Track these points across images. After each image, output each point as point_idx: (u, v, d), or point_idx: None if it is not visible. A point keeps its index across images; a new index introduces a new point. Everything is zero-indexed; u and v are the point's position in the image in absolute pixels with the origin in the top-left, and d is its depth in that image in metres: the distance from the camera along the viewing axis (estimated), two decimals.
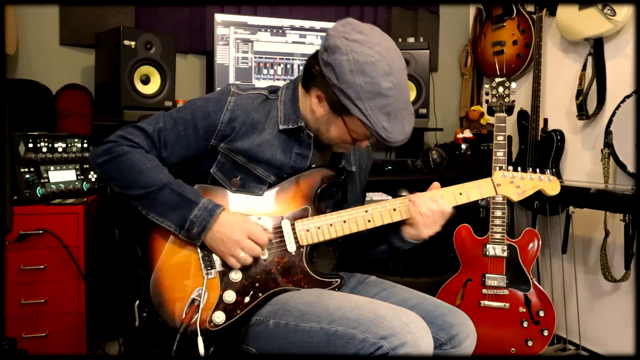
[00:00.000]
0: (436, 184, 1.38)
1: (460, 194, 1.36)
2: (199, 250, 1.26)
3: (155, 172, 1.26)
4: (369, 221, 1.32)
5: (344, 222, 1.31)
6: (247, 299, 1.23)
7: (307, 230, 1.30)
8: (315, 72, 1.27)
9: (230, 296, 1.23)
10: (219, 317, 1.21)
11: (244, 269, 1.25)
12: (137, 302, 1.30)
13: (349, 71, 1.19)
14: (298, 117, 1.34)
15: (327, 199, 1.41)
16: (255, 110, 1.34)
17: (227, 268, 1.26)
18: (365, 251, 1.50)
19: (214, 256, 1.26)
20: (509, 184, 1.39)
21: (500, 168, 2.05)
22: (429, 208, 1.31)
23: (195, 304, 1.20)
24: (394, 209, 1.33)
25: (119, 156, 1.26)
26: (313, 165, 1.38)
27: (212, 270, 1.25)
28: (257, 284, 1.25)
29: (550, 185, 1.40)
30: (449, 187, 1.37)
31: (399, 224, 1.38)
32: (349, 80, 1.19)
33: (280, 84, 1.43)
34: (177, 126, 1.31)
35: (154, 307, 1.22)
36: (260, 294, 1.25)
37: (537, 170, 1.42)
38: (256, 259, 1.26)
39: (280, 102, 1.37)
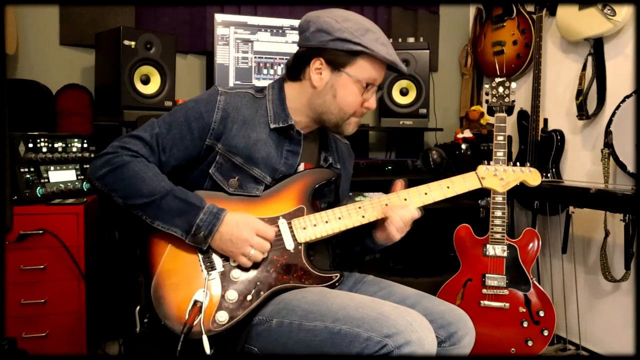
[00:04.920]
0: (400, 183, 1.42)
1: (448, 187, 1.41)
2: (198, 252, 1.27)
3: (158, 180, 1.26)
4: (363, 217, 1.35)
5: (339, 218, 1.34)
6: (249, 298, 1.24)
7: (304, 228, 1.32)
8: (304, 53, 1.36)
9: (232, 295, 1.23)
10: (222, 317, 1.21)
11: (245, 268, 1.26)
12: (138, 308, 1.29)
13: (336, 22, 1.31)
14: (287, 115, 1.38)
15: (321, 198, 1.44)
16: (244, 107, 1.37)
17: (227, 268, 1.26)
18: (345, 249, 1.55)
19: (214, 257, 1.27)
20: (493, 177, 1.44)
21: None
22: (401, 218, 1.35)
23: (198, 305, 1.20)
24: (386, 204, 1.37)
25: (120, 167, 1.26)
26: (302, 164, 1.41)
27: (213, 271, 1.25)
28: (258, 283, 1.26)
29: (531, 177, 1.47)
30: (437, 181, 1.41)
31: (371, 226, 1.42)
32: (340, 27, 1.30)
33: None
34: (172, 130, 1.33)
35: (155, 312, 1.22)
36: (262, 293, 1.25)
37: (517, 163, 1.49)
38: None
39: (268, 101, 1.41)
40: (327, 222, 1.33)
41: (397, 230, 1.35)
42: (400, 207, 1.36)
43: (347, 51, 1.31)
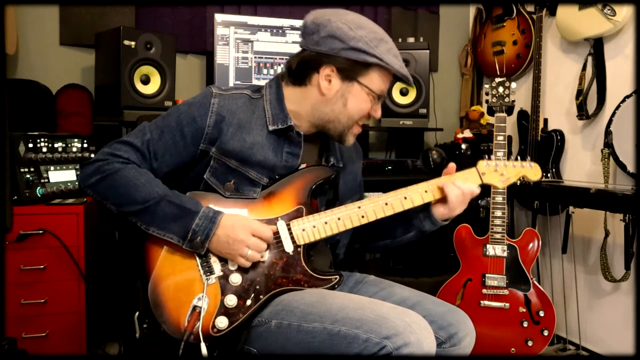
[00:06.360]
0: (452, 165, 1.41)
1: None
2: (196, 257, 1.26)
3: (151, 186, 1.24)
4: (363, 217, 1.33)
5: (339, 219, 1.32)
6: (248, 302, 1.23)
7: (303, 230, 1.30)
8: (313, 58, 1.30)
9: (231, 300, 1.22)
10: (222, 322, 1.20)
11: (244, 272, 1.25)
12: (137, 313, 1.28)
13: (349, 29, 1.26)
14: (286, 116, 1.34)
15: (319, 198, 1.41)
16: (240, 110, 1.33)
17: (226, 272, 1.25)
18: (393, 240, 1.52)
19: (212, 261, 1.26)
20: (494, 172, 1.42)
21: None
22: (460, 188, 1.35)
23: (197, 311, 1.20)
24: (386, 204, 1.35)
25: (111, 174, 1.24)
26: (303, 165, 1.38)
27: (212, 276, 1.24)
28: (257, 287, 1.25)
29: (532, 172, 1.44)
30: (436, 178, 1.39)
31: (427, 207, 1.41)
32: (354, 36, 1.26)
33: None
34: (164, 135, 1.30)
35: (154, 318, 1.21)
36: (261, 296, 1.24)
37: (518, 157, 1.47)
38: (255, 262, 1.25)
39: (266, 101, 1.36)
40: (326, 222, 1.31)
41: (457, 200, 1.35)
42: (460, 179, 1.37)
43: (361, 62, 1.27)
